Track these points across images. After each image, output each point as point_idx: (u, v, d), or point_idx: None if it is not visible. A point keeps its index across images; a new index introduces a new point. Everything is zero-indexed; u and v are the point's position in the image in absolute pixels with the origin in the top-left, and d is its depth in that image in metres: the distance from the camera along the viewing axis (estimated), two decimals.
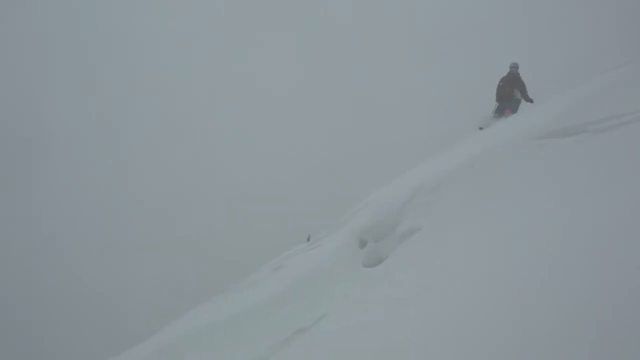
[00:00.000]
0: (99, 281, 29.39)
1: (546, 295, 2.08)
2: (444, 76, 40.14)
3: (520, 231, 2.85)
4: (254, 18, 51.36)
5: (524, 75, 11.76)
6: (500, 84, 11.79)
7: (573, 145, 3.89)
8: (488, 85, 12.63)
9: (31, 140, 41.26)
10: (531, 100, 11.30)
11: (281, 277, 6.04)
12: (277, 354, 3.58)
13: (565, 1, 40.46)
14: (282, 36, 49.30)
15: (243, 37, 50.29)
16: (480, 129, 11.11)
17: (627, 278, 1.89)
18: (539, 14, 42.01)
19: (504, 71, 11.79)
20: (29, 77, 45.63)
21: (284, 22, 50.13)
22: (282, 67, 47.31)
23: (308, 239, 9.25)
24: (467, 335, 2.13)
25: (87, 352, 21.02)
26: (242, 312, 5.19)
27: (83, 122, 43.77)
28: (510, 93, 11.59)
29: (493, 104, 11.88)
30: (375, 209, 5.87)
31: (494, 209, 3.52)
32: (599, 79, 6.73)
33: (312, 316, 3.84)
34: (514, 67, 11.71)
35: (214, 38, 49.89)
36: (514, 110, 11.50)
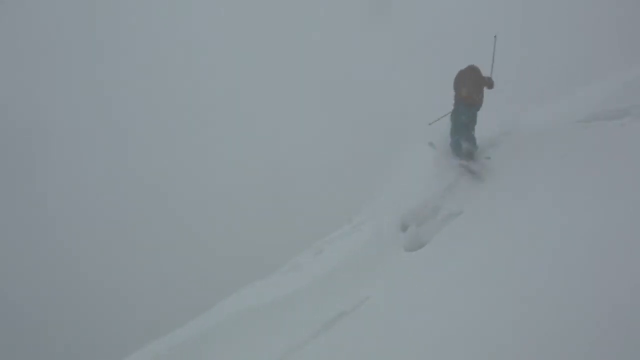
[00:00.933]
0: (103, 279, 29.37)
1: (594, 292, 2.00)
2: (444, 76, 40.02)
3: (562, 223, 2.80)
4: (254, 18, 51.29)
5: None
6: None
7: (618, 128, 3.91)
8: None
9: (32, 139, 41.21)
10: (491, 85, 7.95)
11: (323, 261, 6.06)
12: (318, 339, 3.56)
13: (566, 1, 40.41)
14: (282, 36, 49.26)
15: (244, 37, 50.23)
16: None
17: None
18: (539, 14, 41.93)
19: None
20: (29, 76, 45.58)
21: (284, 22, 50.08)
22: (282, 66, 47.27)
23: (350, 221, 9.11)
24: (511, 320, 2.12)
25: (92, 352, 21.03)
26: (285, 296, 5.22)
27: (84, 121, 43.74)
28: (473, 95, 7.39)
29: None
30: (416, 194, 5.81)
31: (535, 196, 3.49)
32: (632, 71, 6.75)
33: (354, 300, 3.82)
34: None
35: (215, 38, 49.85)
36: (469, 143, 6.62)
